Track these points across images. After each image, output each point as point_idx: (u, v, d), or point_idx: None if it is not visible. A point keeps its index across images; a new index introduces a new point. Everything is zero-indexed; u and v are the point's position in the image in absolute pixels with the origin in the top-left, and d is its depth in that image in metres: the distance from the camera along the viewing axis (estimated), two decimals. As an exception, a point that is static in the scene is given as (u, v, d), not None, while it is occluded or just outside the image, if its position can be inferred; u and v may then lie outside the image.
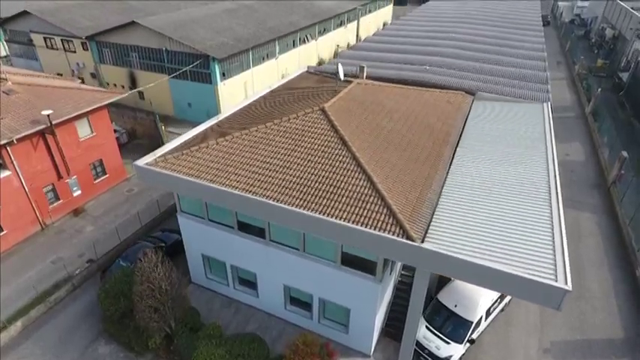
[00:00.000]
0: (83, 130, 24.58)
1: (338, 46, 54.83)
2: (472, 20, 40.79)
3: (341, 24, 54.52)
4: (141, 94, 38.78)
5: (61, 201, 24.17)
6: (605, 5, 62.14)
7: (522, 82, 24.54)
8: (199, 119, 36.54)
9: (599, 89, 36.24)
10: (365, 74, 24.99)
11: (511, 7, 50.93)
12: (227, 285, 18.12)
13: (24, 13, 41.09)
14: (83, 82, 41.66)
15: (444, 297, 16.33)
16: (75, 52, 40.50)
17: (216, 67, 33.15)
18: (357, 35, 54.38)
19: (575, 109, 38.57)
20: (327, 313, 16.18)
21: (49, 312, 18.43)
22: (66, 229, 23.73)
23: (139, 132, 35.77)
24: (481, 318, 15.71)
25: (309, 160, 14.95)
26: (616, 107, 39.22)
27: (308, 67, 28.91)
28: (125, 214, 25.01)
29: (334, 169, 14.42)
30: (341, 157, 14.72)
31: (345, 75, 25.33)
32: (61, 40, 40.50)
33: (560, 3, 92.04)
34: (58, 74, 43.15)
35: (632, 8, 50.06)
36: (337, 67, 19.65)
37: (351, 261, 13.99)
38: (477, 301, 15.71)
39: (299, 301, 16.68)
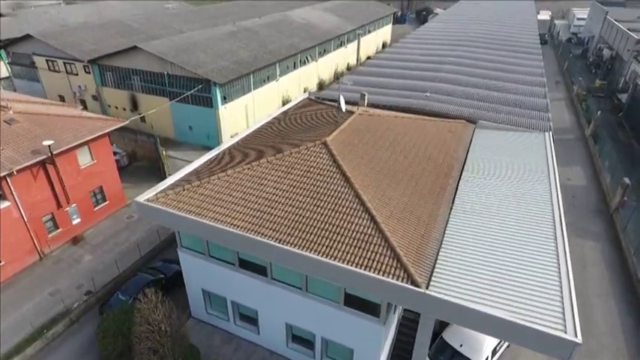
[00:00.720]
0: (84, 157, 24.53)
1: (337, 65, 55.31)
2: (471, 43, 41.18)
3: (341, 44, 55.09)
4: (142, 116, 38.92)
5: (60, 230, 23.97)
6: (602, 25, 62.90)
7: (523, 110, 24.62)
8: (200, 142, 36.94)
9: (599, 112, 36.39)
10: (366, 102, 25.15)
11: (509, 27, 51.51)
12: (227, 320, 17.81)
13: (27, 37, 41.51)
14: (85, 104, 42.22)
15: (449, 336, 16.03)
16: (77, 74, 40.77)
17: (218, 91, 33.33)
18: (358, 55, 54.92)
19: (574, 131, 38.67)
20: (330, 353, 15.85)
21: (46, 348, 18.07)
22: (64, 258, 23.47)
23: (139, 154, 35.75)
24: (487, 358, 15.39)
25: (311, 197, 14.83)
26: (615, 129, 39.33)
27: (309, 93, 29.09)
28: (125, 242, 24.78)
29: (337, 207, 14.29)
30: (344, 195, 14.61)
31: (346, 102, 25.45)
32: (64, 62, 40.81)
33: (557, 21, 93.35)
34: (60, 96, 43.58)
35: (628, 29, 50.68)
36: (339, 99, 19.68)
37: (354, 302, 13.75)
38: (483, 341, 15.42)
39: (301, 339, 16.37)
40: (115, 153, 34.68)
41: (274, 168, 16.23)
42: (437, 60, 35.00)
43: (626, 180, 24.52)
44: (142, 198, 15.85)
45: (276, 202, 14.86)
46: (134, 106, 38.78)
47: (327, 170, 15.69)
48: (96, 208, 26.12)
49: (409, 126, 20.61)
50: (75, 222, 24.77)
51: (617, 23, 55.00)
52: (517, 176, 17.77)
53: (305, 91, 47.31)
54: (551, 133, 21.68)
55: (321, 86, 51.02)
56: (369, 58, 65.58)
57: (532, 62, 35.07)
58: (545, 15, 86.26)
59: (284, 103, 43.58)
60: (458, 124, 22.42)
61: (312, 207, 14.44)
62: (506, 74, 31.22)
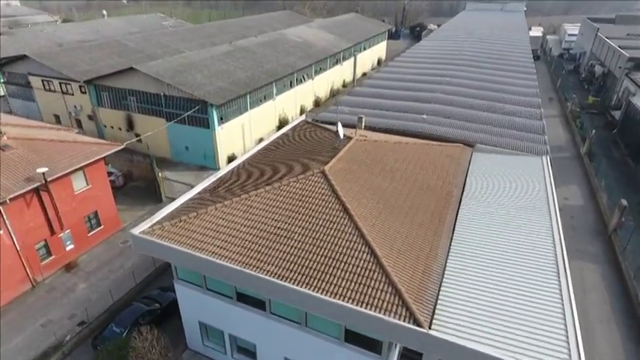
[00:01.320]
0: (79, 183, 24.22)
1: (334, 83, 55.63)
2: (465, 61, 41.60)
3: (337, 62, 55.52)
4: (138, 136, 38.71)
5: (53, 257, 23.52)
6: (593, 42, 63.96)
7: (520, 132, 24.72)
8: (196, 162, 36.75)
9: (594, 130, 36.66)
10: (363, 124, 25.16)
11: (503, 45, 52.19)
12: (225, 353, 17.38)
13: (23, 57, 41.47)
14: (80, 124, 42.02)
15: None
16: (73, 94, 40.66)
17: (214, 112, 33.29)
18: (354, 75, 55.32)
19: (570, 148, 38.91)
20: (330, 388, 15.46)
21: (36, 385, 17.51)
22: (57, 286, 22.97)
23: (135, 174, 35.46)
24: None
25: (310, 229, 14.63)
26: (610, 146, 39.63)
27: (306, 115, 29.11)
28: (119, 268, 24.34)
29: (337, 239, 14.09)
30: (343, 227, 14.43)
31: (343, 125, 25.44)
32: (59, 83, 40.73)
33: (548, 37, 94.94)
34: (55, 116, 43.39)
35: (619, 46, 51.47)
36: (337, 126, 19.65)
37: (355, 338, 13.45)
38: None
39: (300, 374, 15.97)
40: (110, 173, 34.52)
41: (273, 198, 16.05)
42: (432, 80, 35.25)
43: (624, 202, 24.55)
44: (136, 230, 15.57)
45: (275, 234, 14.63)
46: (130, 126, 38.63)
47: (326, 201, 15.53)
48: (90, 234, 25.71)
49: (407, 151, 20.57)
50: (68, 248, 24.33)
51: (608, 40, 55.90)
52: (516, 204, 17.69)
53: (302, 112, 47.49)
54: (548, 157, 21.72)
55: (317, 103, 51.25)
56: (364, 74, 66.24)
57: (527, 82, 35.41)
58: (537, 31, 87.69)
59: (281, 122, 43.68)
60: (456, 147, 22.43)
61: (311, 240, 14.23)
62: (502, 94, 31.45)
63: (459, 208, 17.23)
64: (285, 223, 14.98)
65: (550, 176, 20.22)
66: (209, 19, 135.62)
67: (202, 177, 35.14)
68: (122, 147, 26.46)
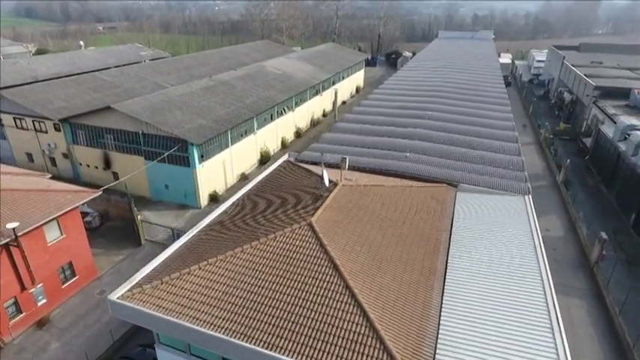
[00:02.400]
0: (52, 233, 23.08)
1: (314, 113, 56.06)
2: (443, 93, 42.63)
3: (317, 93, 56.12)
4: (115, 174, 37.67)
5: (23, 314, 22.09)
6: (560, 69, 67.06)
7: (500, 170, 25.16)
8: (177, 201, 35.84)
9: (568, 160, 37.81)
10: (347, 165, 25.13)
11: (476, 75, 53.91)
12: (211, 420, 16.38)
13: (-7, 95, 40.15)
14: (54, 162, 40.61)
15: None
16: (47, 132, 39.42)
17: (195, 150, 32.75)
18: (335, 107, 55.92)
19: (546, 177, 39.97)
20: None
21: None
22: (27, 346, 21.48)
23: (112, 214, 34.30)
24: None
25: (300, 289, 14.18)
26: (584, 173, 40.94)
27: (289, 154, 28.94)
28: (96, 322, 23.04)
29: (328, 300, 13.67)
30: (334, 287, 14.05)
31: (327, 165, 25.35)
32: (33, 121, 39.47)
33: (517, 62, 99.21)
34: (28, 154, 41.83)
35: (585, 75, 54.03)
36: (322, 173, 19.49)
37: (349, 406, 12.88)
38: None
39: None
40: (85, 213, 33.29)
41: (259, 255, 15.56)
42: (412, 114, 35.85)
43: (603, 235, 25.11)
44: (114, 295, 14.75)
45: (263, 295, 14.10)
46: (107, 164, 37.58)
47: (315, 257, 15.16)
48: (64, 285, 24.39)
49: (393, 195, 20.54)
50: (40, 303, 22.95)
51: (574, 69, 58.69)
52: (504, 249, 17.77)
53: (283, 144, 47.43)
54: (530, 197, 22.11)
55: (298, 134, 51.35)
56: (344, 102, 67.17)
57: (502, 114, 36.46)
58: (506, 58, 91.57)
59: (262, 156, 43.41)
60: (440, 188, 22.58)
61: (301, 301, 13.76)
62: (480, 128, 32.19)
63: (447, 257, 17.12)
64: (273, 283, 14.49)
65: (534, 216, 20.52)
66: (187, 47, 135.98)
67: (183, 216, 34.30)
68: (99, 193, 25.50)
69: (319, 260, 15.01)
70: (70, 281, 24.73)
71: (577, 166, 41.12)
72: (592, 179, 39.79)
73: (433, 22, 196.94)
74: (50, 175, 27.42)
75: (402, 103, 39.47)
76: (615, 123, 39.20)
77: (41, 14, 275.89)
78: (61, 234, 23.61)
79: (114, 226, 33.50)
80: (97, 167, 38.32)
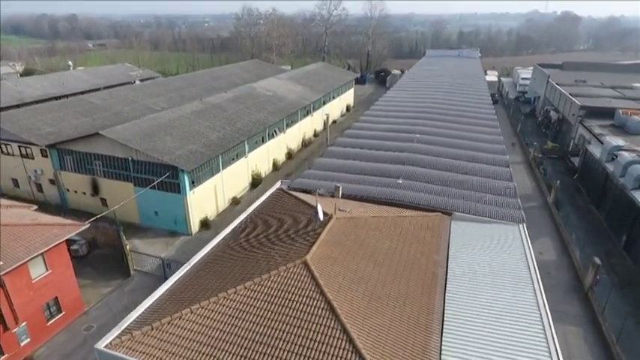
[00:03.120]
0: (37, 269, 22.31)
1: (305, 134, 56.12)
2: (433, 115, 42.95)
3: (307, 113, 56.28)
4: (104, 200, 36.96)
5: (5, 355, 21.13)
6: (545, 87, 68.50)
7: (494, 197, 25.23)
8: (167, 227, 35.16)
9: (558, 181, 38.20)
10: (340, 193, 25.01)
11: (465, 95, 54.69)
12: None
13: (-22, 121, 39.35)
14: (41, 188, 39.70)
15: None
16: (33, 158, 38.63)
17: (185, 177, 32.33)
18: (327, 126, 56.09)
19: (537, 197, 40.30)
20: None
21: None
22: (9, 390, 20.50)
23: (100, 241, 33.50)
24: None
25: (295, 333, 13.78)
26: (574, 193, 41.39)
27: (282, 181, 28.74)
28: (82, 362, 22.16)
29: (325, 346, 13.29)
30: (331, 331, 13.68)
31: (320, 194, 25.18)
32: (19, 146, 38.69)
33: (503, 79, 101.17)
34: (13, 180, 40.86)
35: (571, 94, 55.18)
36: (316, 208, 19.25)
37: None
38: None
39: None
40: (73, 241, 32.43)
41: (253, 297, 15.16)
42: (402, 137, 36.01)
43: (597, 260, 25.20)
44: (103, 343, 14.18)
45: (257, 342, 13.67)
46: (95, 190, 36.85)
47: (311, 298, 14.81)
48: (49, 323, 23.49)
49: (388, 227, 20.37)
50: (24, 343, 22.02)
51: (559, 88, 59.97)
52: (501, 284, 17.64)
53: (275, 166, 47.22)
54: (524, 226, 22.14)
55: (290, 156, 51.23)
56: (334, 122, 67.47)
57: (492, 137, 36.84)
58: (492, 76, 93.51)
59: (254, 179, 43.09)
60: (434, 218, 22.49)
61: (297, 347, 13.36)
62: (471, 152, 32.40)
63: (445, 294, 16.90)
64: (268, 328, 14.07)
65: (529, 246, 20.51)
66: (177, 65, 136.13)
67: (173, 244, 33.63)
68: (87, 226, 24.85)
69: (315, 302, 14.66)
70: (56, 318, 23.85)
71: (566, 186, 41.57)
72: (582, 199, 40.24)
73: (420, 39, 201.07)
74: (36, 207, 26.65)
75: (392, 126, 39.68)
76: (602, 143, 39.90)
77: (29, 31, 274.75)
78: (47, 269, 22.85)
79: (102, 254, 32.73)
80: (84, 193, 37.56)
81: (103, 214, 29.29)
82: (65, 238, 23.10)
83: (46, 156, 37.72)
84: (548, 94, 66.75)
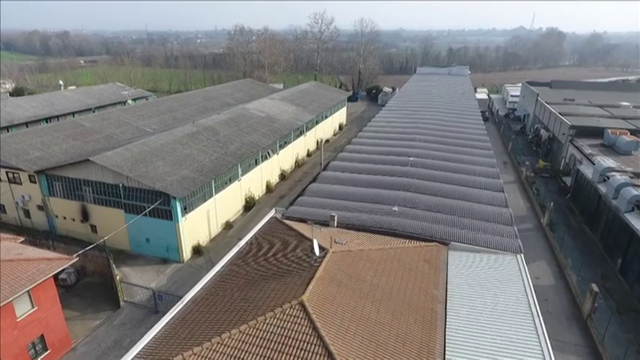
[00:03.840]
0: (22, 307, 21.48)
1: (298, 154, 55.96)
2: (426, 136, 43.14)
3: (300, 134, 56.23)
4: (94, 227, 36.16)
5: (-13, 400, 20.14)
6: (535, 105, 69.48)
7: (489, 224, 25.12)
8: (158, 255, 34.38)
9: (552, 203, 38.31)
10: (336, 222, 24.70)
11: (456, 115, 55.18)
12: None
13: (-36, 146, 38.53)
14: (28, 214, 38.75)
15: None
16: (21, 184, 37.80)
17: (177, 204, 31.77)
18: (319, 143, 56.06)
19: (531, 219, 40.32)
20: None
21: None
22: None
23: (89, 269, 32.69)
24: None
25: (293, 382, 13.25)
26: (566, 213, 41.54)
27: (276, 209, 28.38)
28: (68, 404, 21.20)
29: (323, 397, 12.77)
30: (329, 380, 13.18)
31: (315, 222, 24.85)
32: (6, 172, 37.87)
33: (492, 96, 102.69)
34: (0, 205, 39.86)
35: (560, 113, 55.92)
36: (312, 242, 18.87)
37: None
38: None
39: None
40: (61, 270, 31.52)
41: (249, 342, 14.62)
42: (396, 160, 35.99)
43: (594, 287, 25.05)
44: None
45: (254, 392, 13.10)
46: (85, 217, 36.04)
47: (308, 343, 14.31)
48: (34, 362, 22.53)
49: (385, 260, 20.03)
50: (7, 386, 21.02)
51: (549, 106, 60.80)
52: (500, 318, 17.31)
53: (268, 188, 46.83)
54: (522, 256, 21.97)
55: (283, 177, 50.91)
56: (327, 141, 67.49)
57: (485, 159, 36.99)
58: (483, 93, 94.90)
59: (247, 202, 42.60)
60: (431, 248, 22.22)
61: (295, 399, 12.81)
62: (465, 176, 32.43)
63: (445, 331, 16.51)
64: (265, 376, 13.53)
65: (527, 277, 20.30)
66: (169, 82, 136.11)
67: (164, 272, 32.82)
68: (75, 260, 24.13)
69: (313, 347, 14.17)
70: (42, 356, 22.90)
71: (559, 205, 41.71)
72: (575, 219, 40.36)
73: (410, 55, 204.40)
74: (22, 239, 25.85)
75: (386, 148, 39.69)
76: (593, 164, 40.28)
77: (20, 48, 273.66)
78: (33, 306, 22.02)
79: (91, 283, 31.91)
80: (74, 220, 36.72)
81: (93, 245, 28.57)
82: (52, 274, 22.33)
83: (35, 182, 36.95)
84: (538, 112, 67.67)
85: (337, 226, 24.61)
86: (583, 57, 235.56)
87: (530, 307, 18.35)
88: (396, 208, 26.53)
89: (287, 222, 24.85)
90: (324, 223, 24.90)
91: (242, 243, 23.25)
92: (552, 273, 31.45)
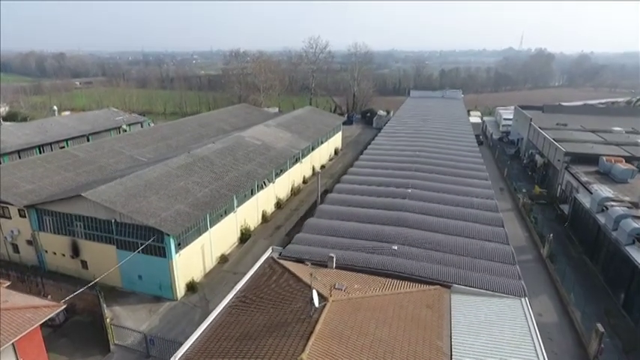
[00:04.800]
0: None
1: (294, 182, 55.57)
2: (420, 166, 42.90)
3: (296, 161, 55.96)
4: (84, 263, 35.14)
5: None
6: (528, 131, 70.09)
7: (491, 263, 24.63)
8: (151, 292, 33.31)
9: (551, 235, 37.97)
10: (334, 264, 24.10)
11: (452, 142, 55.35)
12: None
13: (-48, 180, 37.66)
14: (17, 249, 37.63)
15: None
16: (10, 218, 36.85)
17: (171, 241, 30.98)
18: (314, 170, 55.82)
19: (530, 249, 39.89)
20: None
21: None
22: None
23: (79, 307, 31.49)
24: None
25: None
26: (565, 242, 41.21)
27: (272, 248, 27.74)
28: None
29: None
30: None
31: (312, 263, 24.27)
32: (-5, 206, 36.96)
33: (485, 118, 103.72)
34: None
35: (554, 139, 56.31)
36: (312, 293, 18.19)
37: None
38: None
39: None
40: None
41: (246, 409, 13.79)
42: (394, 192, 35.64)
43: (600, 327, 24.46)
44: None
45: None
46: (75, 252, 35.05)
47: (309, 410, 13.52)
48: (16, 418, 21.25)
49: (387, 308, 19.37)
50: None
51: (542, 132, 61.30)
52: (509, 375, 16.62)
53: (264, 217, 46.14)
54: (527, 300, 21.42)
55: (279, 205, 50.30)
56: (323, 167, 67.32)
57: (483, 190, 36.78)
58: (476, 117, 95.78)
59: (242, 233, 41.81)
60: (434, 292, 21.61)
61: None
62: (464, 209, 32.11)
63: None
64: None
65: (534, 323, 19.70)
66: (164, 104, 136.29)
67: (157, 311, 31.73)
68: (63, 307, 23.17)
69: (314, 415, 13.37)
70: (24, 412, 21.65)
71: (557, 233, 41.26)
72: (574, 249, 40.01)
73: (403, 76, 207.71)
74: (8, 283, 24.83)
75: (383, 179, 39.40)
76: (591, 193, 40.22)
77: (16, 69, 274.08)
78: (17, 359, 20.92)
79: (80, 322, 30.81)
80: (64, 255, 35.70)
81: (86, 287, 27.52)
82: (39, 323, 21.35)
83: (24, 216, 36.06)
84: (532, 137, 68.20)
85: (336, 267, 23.98)
86: (572, 77, 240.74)
87: (537, 355, 17.68)
88: (395, 247, 25.99)
89: (284, 263, 24.19)
90: (323, 264, 24.28)
91: (238, 287, 22.49)
92: (555, 308, 30.83)
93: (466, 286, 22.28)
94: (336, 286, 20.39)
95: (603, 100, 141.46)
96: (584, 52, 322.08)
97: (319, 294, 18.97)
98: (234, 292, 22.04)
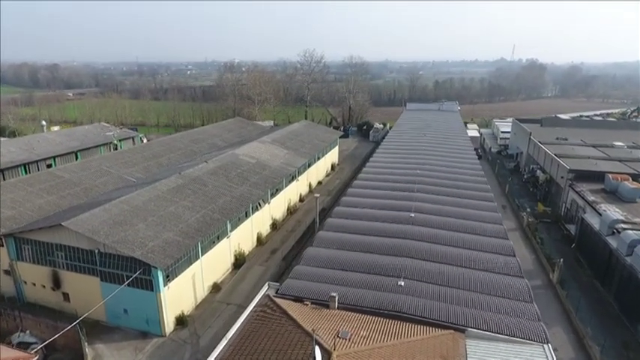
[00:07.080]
0: (-33, 424, 18.05)
1: (290, 200, 53.58)
2: (422, 186, 41.12)
3: (292, 179, 54.03)
4: (66, 295, 32.76)
5: None
6: (528, 145, 68.83)
7: (506, 301, 22.74)
8: (137, 327, 30.84)
9: (561, 259, 36.24)
10: (336, 304, 22.15)
11: (452, 159, 53.79)
12: None
13: None
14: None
15: None
16: (-13, 247, 34.41)
17: (159, 274, 28.77)
18: (311, 187, 53.93)
19: (538, 273, 38.10)
20: None
21: None
22: None
23: (59, 343, 29.06)
24: None
25: None
26: (573, 264, 39.50)
27: (269, 284, 25.70)
28: None
29: None
30: None
31: (313, 302, 22.34)
32: (-30, 234, 34.50)
33: (483, 130, 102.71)
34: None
35: (556, 154, 54.91)
36: (313, 351, 16.18)
37: None
38: None
39: None
40: (27, 344, 28.26)
41: None
42: (397, 217, 33.77)
43: (624, 370, 22.57)
44: None
45: None
46: (56, 284, 32.69)
47: None
48: None
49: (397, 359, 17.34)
50: None
51: (544, 148, 59.95)
52: None
53: (259, 240, 44.00)
54: (550, 346, 19.52)
55: (275, 226, 48.21)
56: (320, 183, 65.45)
57: (489, 214, 35.05)
58: (474, 130, 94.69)
59: (236, 258, 39.65)
60: (447, 338, 19.63)
61: None
62: (472, 236, 30.37)
63: None
64: None
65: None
66: (157, 116, 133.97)
67: (144, 349, 29.36)
68: (35, 358, 20.87)
69: None
70: None
71: (565, 255, 39.46)
72: (584, 272, 38.30)
73: (397, 87, 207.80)
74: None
75: (383, 201, 37.52)
76: (599, 214, 38.67)
77: (9, 80, 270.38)
78: (-19, 420, 18.58)
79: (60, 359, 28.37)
80: (44, 286, 33.30)
81: (66, 330, 25.25)
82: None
83: (2, 245, 33.71)
84: (532, 151, 66.95)
85: (339, 307, 21.97)
86: (565, 88, 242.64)
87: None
88: (402, 283, 24.02)
89: (282, 303, 22.12)
90: (324, 304, 22.27)
91: (231, 333, 20.37)
92: (570, 342, 28.94)
93: (482, 330, 20.33)
94: (339, 335, 18.37)
95: (598, 112, 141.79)
96: (575, 63, 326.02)
97: (321, 347, 16.93)
98: (228, 340, 19.90)
